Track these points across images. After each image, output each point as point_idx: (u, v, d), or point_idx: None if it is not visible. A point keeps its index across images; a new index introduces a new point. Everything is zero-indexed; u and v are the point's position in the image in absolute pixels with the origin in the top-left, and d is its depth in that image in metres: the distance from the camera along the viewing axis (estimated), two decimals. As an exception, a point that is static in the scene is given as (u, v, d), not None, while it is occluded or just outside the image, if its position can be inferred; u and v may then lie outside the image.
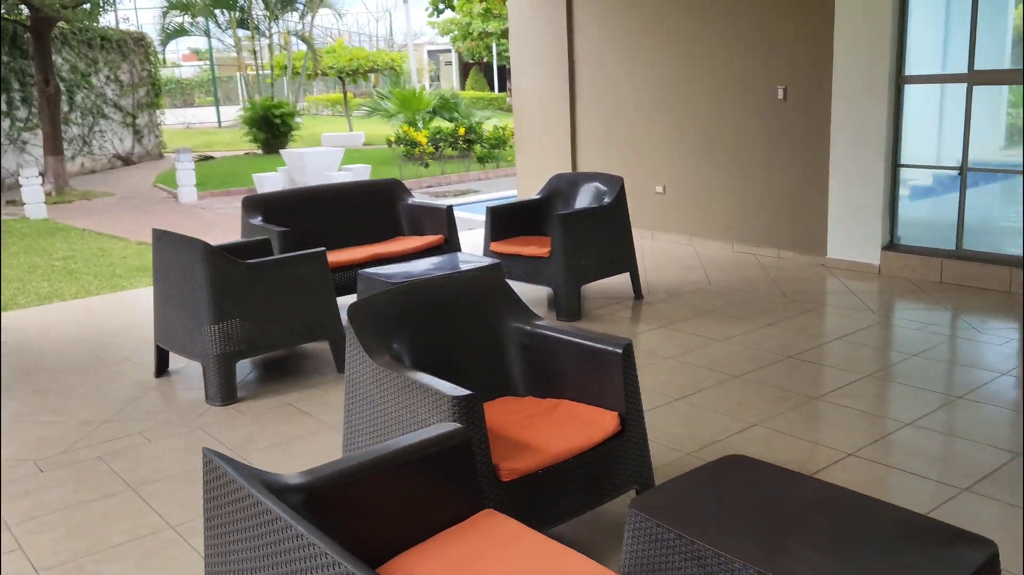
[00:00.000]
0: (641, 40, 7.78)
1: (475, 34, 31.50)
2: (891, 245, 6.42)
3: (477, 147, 15.83)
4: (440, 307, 3.16)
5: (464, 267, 5.21)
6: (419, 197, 6.51)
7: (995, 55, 6.12)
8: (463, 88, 34.85)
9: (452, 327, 3.15)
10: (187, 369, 4.97)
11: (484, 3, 26.82)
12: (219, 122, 28.88)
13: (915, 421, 3.84)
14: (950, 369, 4.56)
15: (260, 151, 19.85)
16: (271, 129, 19.31)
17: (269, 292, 4.53)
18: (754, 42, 6.92)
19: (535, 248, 5.73)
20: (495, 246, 5.93)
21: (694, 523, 2.23)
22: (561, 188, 6.24)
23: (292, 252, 4.81)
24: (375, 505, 2.11)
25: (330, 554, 1.53)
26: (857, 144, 6.36)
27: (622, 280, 6.34)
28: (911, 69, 6.19)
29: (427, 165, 15.70)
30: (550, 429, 2.86)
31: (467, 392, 2.53)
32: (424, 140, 15.87)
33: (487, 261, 5.32)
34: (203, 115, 31.02)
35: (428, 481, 2.22)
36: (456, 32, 32.50)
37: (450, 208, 6.10)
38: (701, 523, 2.23)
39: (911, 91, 6.26)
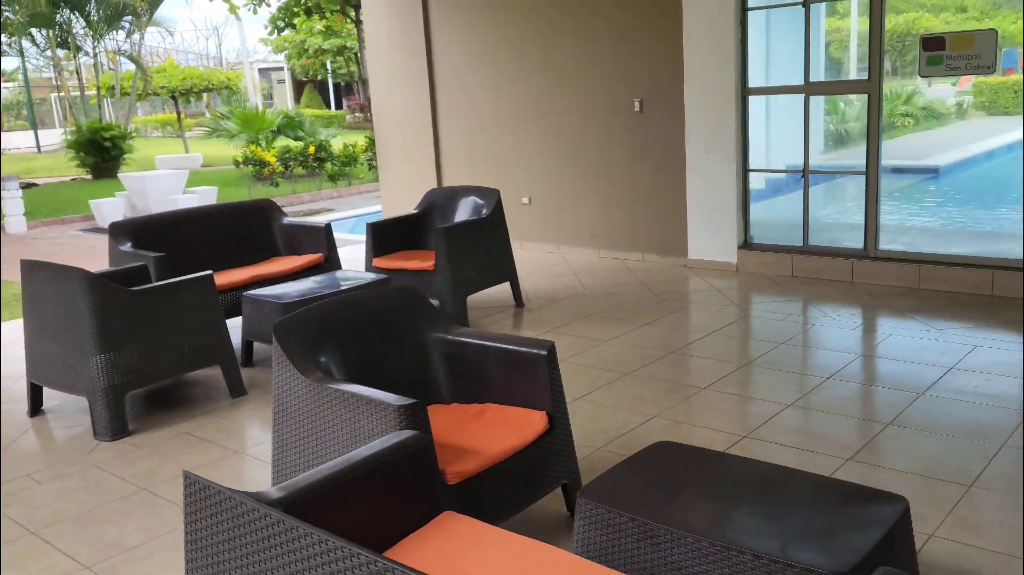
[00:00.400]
0: (502, 57, 8.00)
1: (310, 52, 31.07)
2: (746, 244, 6.90)
3: (328, 165, 15.65)
4: (362, 323, 3.19)
5: (350, 284, 5.22)
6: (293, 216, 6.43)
7: (815, 68, 6.73)
8: (297, 106, 34.22)
9: (375, 341, 3.19)
10: (64, 406, 4.71)
11: (325, 21, 26.52)
12: (38, 147, 27.06)
13: (794, 402, 4.19)
14: (814, 353, 4.98)
15: (89, 176, 18.79)
16: (101, 153, 18.34)
17: (157, 319, 4.38)
18: (611, 58, 7.27)
19: (419, 262, 5.80)
20: (377, 262, 5.95)
21: (642, 505, 2.39)
22: (438, 202, 6.34)
23: (172, 278, 4.66)
24: (345, 514, 2.14)
25: (337, 542, 1.57)
26: (710, 151, 6.81)
27: (503, 289, 6.50)
28: (752, 82, 6.70)
29: (277, 185, 15.37)
30: (483, 432, 2.95)
31: (412, 400, 2.59)
32: (273, 160, 15.54)
33: (372, 276, 5.35)
34: (18, 140, 28.96)
35: (392, 488, 2.27)
36: (291, 50, 31.94)
37: (329, 226, 6.07)
38: (648, 505, 2.39)
39: (758, 104, 6.79)
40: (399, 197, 9.00)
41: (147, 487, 3.68)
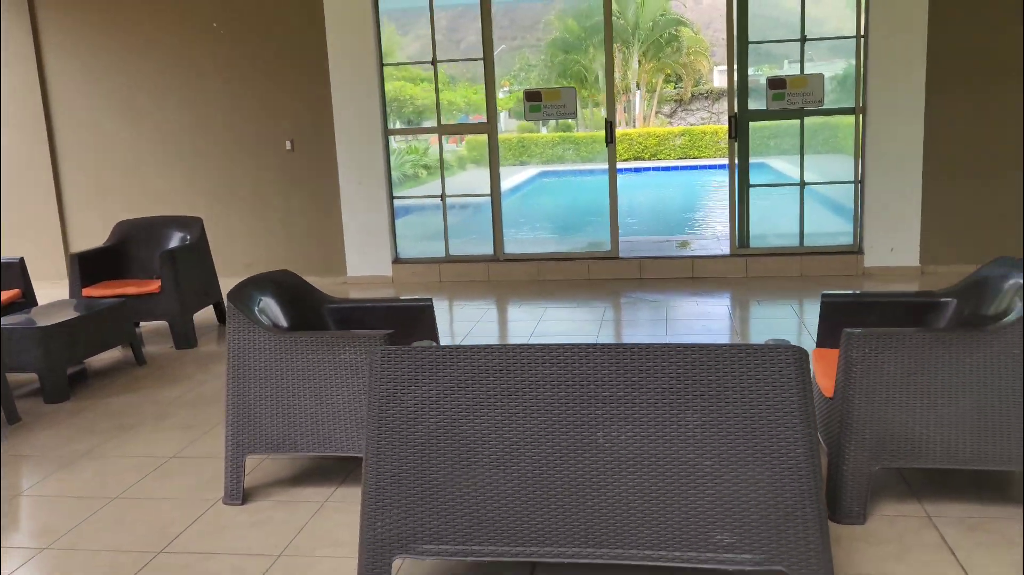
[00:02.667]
0: (139, 102, 8.19)
1: None
2: (397, 259, 8.17)
3: None
4: (288, 299, 3.80)
5: (97, 307, 5.33)
6: (-34, 256, 6.04)
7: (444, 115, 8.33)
8: None
9: (298, 309, 3.81)
10: None
11: None
12: None
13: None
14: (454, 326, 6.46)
15: None
16: None
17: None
18: (260, 101, 8.02)
19: (136, 288, 5.99)
20: (88, 291, 5.97)
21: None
22: (132, 233, 6.50)
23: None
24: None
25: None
26: (362, 182, 7.96)
27: (205, 312, 6.83)
28: (391, 124, 8.05)
29: None
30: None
31: (390, 331, 3.41)
32: None
33: (112, 302, 5.49)
34: None
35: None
36: None
37: (22, 260, 5.91)
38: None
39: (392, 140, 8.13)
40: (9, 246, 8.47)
41: None
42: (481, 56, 7.80)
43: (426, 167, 9.87)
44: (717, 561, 2.49)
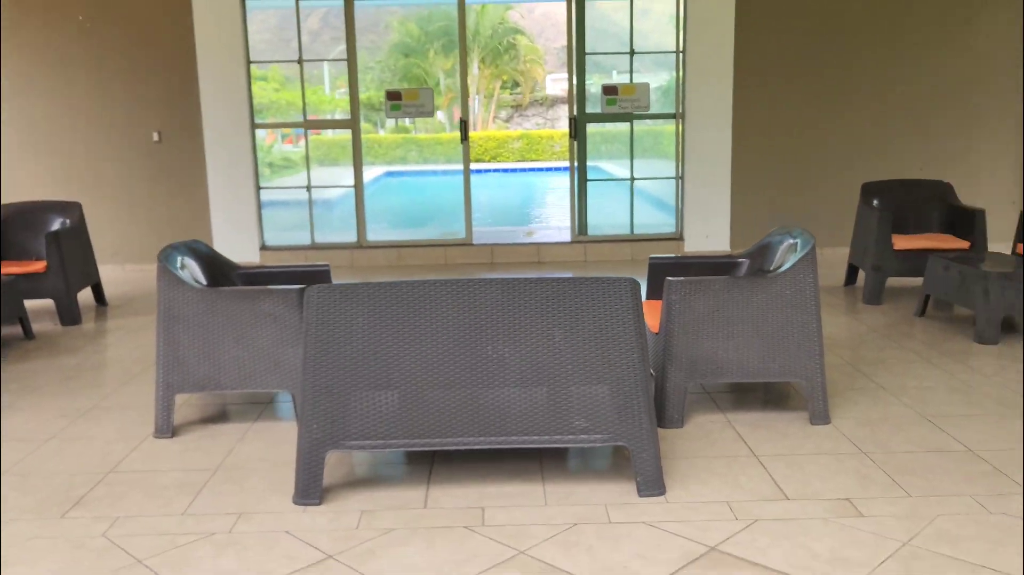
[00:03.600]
0: (3, 89, 8.27)
1: None
2: (264, 246, 8.65)
3: None
4: (207, 264, 4.35)
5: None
6: None
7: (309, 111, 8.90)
8: None
9: (212, 276, 4.37)
10: None
11: None
12: None
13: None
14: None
15: None
16: None
17: None
18: (127, 95, 8.30)
19: (23, 267, 6.25)
20: (-30, 272, 6.16)
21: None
22: (12, 217, 6.70)
23: None
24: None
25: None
26: (229, 172, 8.40)
27: (85, 292, 7.08)
28: (261, 118, 8.53)
29: None
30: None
31: (302, 286, 4.06)
32: None
33: (3, 279, 5.77)
34: None
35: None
36: None
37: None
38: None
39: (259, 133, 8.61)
40: None
41: (-39, 438, 4.07)
42: (345, 57, 8.44)
43: (284, 162, 10.38)
44: (576, 441, 3.34)
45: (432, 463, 3.68)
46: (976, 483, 3.41)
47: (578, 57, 8.50)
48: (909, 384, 4.65)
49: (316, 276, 4.67)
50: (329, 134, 10.40)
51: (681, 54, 8.46)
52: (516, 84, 31.42)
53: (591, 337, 3.29)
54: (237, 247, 8.52)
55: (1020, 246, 6.38)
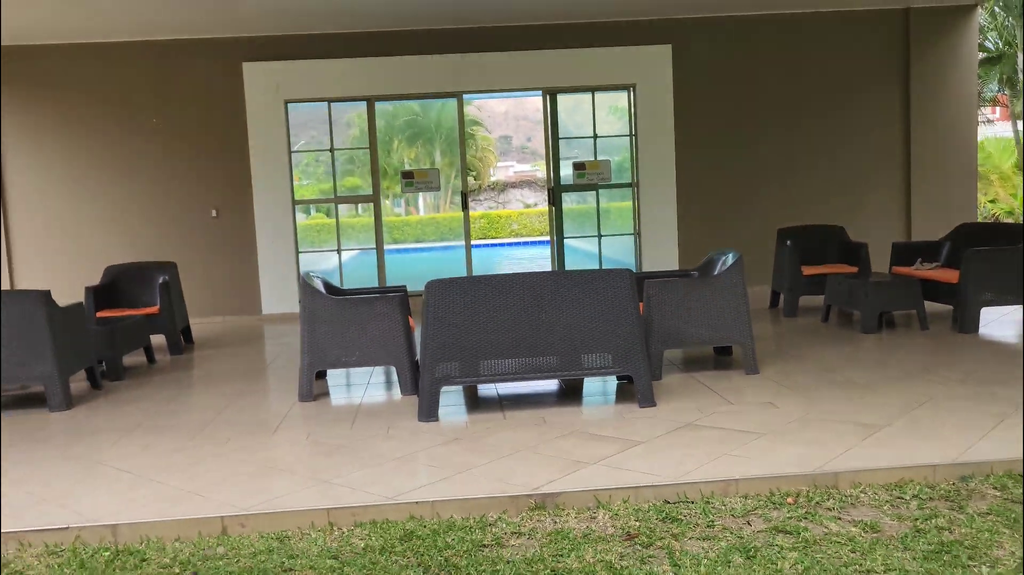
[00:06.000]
0: (82, 176, 10.12)
1: None
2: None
3: None
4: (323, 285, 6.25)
5: (131, 319, 7.38)
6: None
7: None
8: None
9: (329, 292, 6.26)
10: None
11: None
12: None
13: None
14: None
15: None
16: None
17: (73, 329, 6.23)
18: (191, 178, 10.22)
19: (143, 311, 8.02)
20: (101, 314, 7.92)
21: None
22: (124, 271, 8.49)
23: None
24: (436, 315, 5.59)
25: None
26: (275, 241, 10.31)
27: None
28: (301, 195, 10.51)
29: None
30: (393, 323, 6.37)
31: (401, 293, 5.99)
32: None
33: (138, 317, 7.55)
34: None
35: (435, 311, 5.73)
36: None
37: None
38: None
39: (306, 215, 10.58)
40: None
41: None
42: (367, 145, 10.53)
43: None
44: (601, 373, 5.31)
45: (500, 399, 5.60)
46: (845, 391, 5.45)
47: (553, 140, 10.70)
48: (812, 355, 6.71)
49: (392, 292, 6.59)
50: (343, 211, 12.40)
51: (634, 137, 10.71)
52: (470, 170, 33.95)
53: (606, 303, 5.29)
54: (282, 300, 10.37)
55: (894, 268, 8.57)
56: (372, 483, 4.14)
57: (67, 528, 3.75)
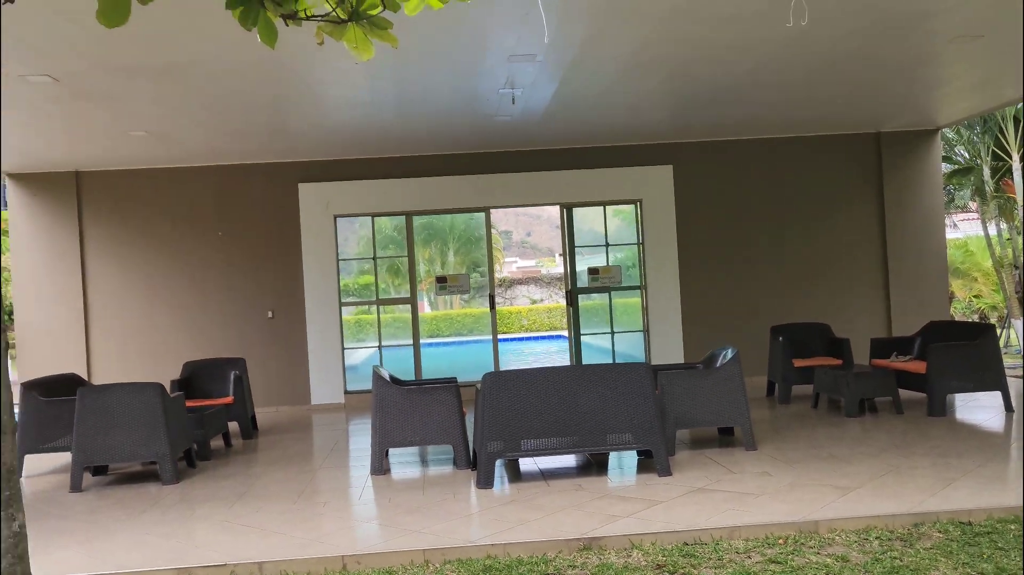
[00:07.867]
0: (156, 284, 11.45)
1: None
2: (347, 391, 11.68)
3: None
4: (391, 378, 7.47)
5: (214, 408, 8.56)
6: None
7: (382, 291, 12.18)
8: None
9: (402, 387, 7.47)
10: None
11: None
12: None
13: (471, 427, 9.35)
14: (445, 421, 10.19)
15: None
16: None
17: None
18: (249, 284, 11.54)
19: (220, 401, 9.21)
20: (191, 403, 9.08)
21: (532, 406, 7.44)
22: (198, 368, 9.69)
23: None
24: (488, 401, 6.78)
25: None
26: (323, 339, 11.55)
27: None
28: (346, 298, 11.81)
29: None
30: (447, 409, 7.56)
31: (453, 384, 7.19)
32: None
33: (219, 407, 8.73)
34: None
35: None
36: None
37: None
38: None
39: (347, 310, 11.87)
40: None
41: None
42: (406, 254, 11.89)
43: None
44: (626, 446, 6.47)
45: (541, 471, 6.75)
46: (828, 463, 6.60)
47: (570, 247, 12.07)
48: (803, 435, 7.86)
49: (448, 383, 7.78)
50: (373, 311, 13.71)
51: (641, 245, 12.06)
52: (476, 266, 35.53)
53: (630, 389, 6.49)
54: (327, 392, 11.54)
55: (873, 360, 9.78)
56: (452, 532, 5.27)
57: (224, 565, 4.87)
